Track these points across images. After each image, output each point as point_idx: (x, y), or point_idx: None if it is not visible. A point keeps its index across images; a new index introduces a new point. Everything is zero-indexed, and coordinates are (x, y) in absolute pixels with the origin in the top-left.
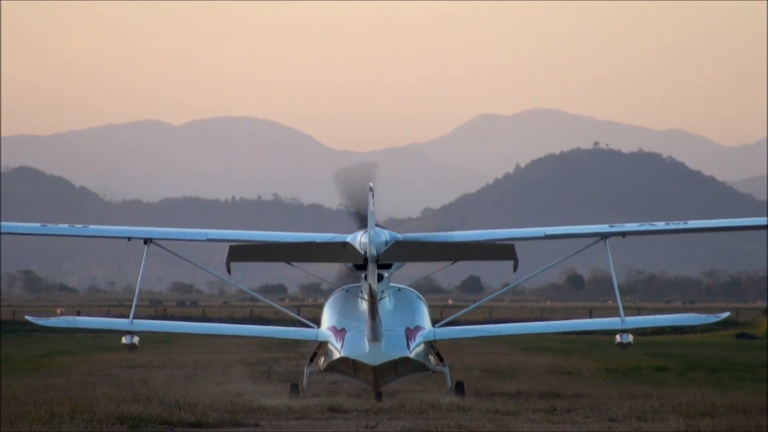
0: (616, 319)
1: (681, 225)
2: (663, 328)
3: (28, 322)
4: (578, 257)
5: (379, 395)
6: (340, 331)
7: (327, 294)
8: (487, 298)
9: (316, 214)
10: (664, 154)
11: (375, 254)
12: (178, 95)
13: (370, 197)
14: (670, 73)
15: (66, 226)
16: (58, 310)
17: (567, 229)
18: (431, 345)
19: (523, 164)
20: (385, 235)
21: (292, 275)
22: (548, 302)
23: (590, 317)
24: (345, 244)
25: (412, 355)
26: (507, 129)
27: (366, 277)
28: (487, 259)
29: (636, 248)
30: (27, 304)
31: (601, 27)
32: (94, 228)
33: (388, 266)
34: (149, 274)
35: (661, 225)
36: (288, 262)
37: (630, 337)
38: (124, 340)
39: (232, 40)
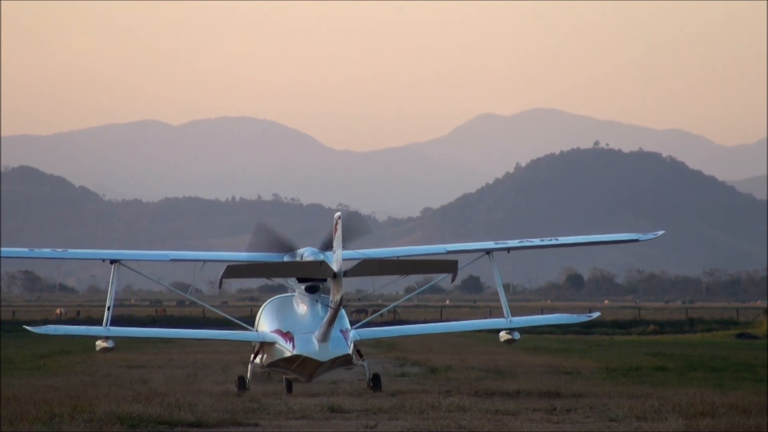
0: (502, 319)
1: (553, 241)
2: (544, 326)
3: (28, 322)
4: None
5: (289, 388)
6: (286, 334)
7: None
8: (396, 303)
9: (316, 214)
10: (664, 154)
11: (343, 271)
12: (178, 95)
13: (338, 225)
14: (670, 73)
15: (49, 250)
16: (58, 311)
17: (461, 245)
18: (354, 343)
19: (523, 164)
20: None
21: None
22: (548, 302)
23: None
24: (322, 263)
25: (348, 352)
26: (507, 129)
27: (307, 289)
28: (434, 272)
29: (636, 248)
30: (27, 304)
31: (601, 27)
32: (72, 251)
33: (324, 280)
34: (149, 274)
35: (536, 241)
36: (272, 278)
37: (517, 335)
38: (99, 344)
39: (232, 40)
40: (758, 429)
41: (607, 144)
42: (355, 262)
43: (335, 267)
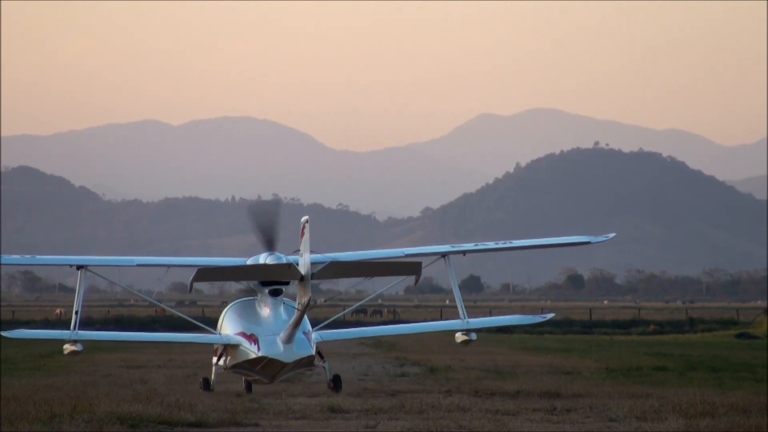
0: (459, 321)
1: (508, 244)
2: (502, 327)
3: (28, 322)
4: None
5: (249, 388)
6: (250, 336)
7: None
8: (358, 304)
9: (316, 214)
10: (664, 154)
11: (311, 274)
12: (178, 95)
13: (306, 229)
14: (670, 73)
15: (18, 256)
16: (57, 311)
17: (418, 249)
18: (316, 345)
19: (523, 164)
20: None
21: None
22: (548, 302)
23: (590, 317)
24: (290, 265)
25: (312, 354)
26: (507, 129)
27: (271, 292)
28: (398, 274)
29: (636, 248)
30: (26, 304)
31: (601, 27)
32: (40, 258)
33: (286, 283)
34: (150, 274)
35: (491, 244)
36: (241, 281)
37: (474, 335)
38: (67, 348)
39: (232, 40)
40: (758, 429)
41: (607, 144)
42: (322, 265)
43: (303, 270)
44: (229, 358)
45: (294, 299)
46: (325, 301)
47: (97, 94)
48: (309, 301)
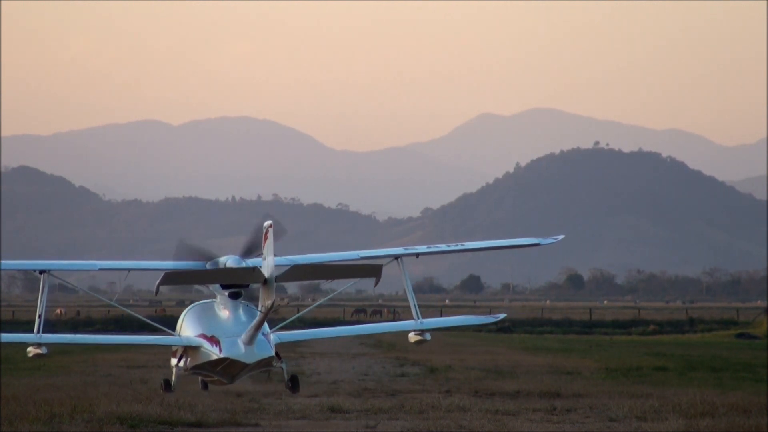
0: (412, 321)
1: (460, 246)
2: (455, 327)
3: (28, 322)
4: (578, 257)
5: (205, 386)
6: (211, 338)
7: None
8: (309, 308)
9: (316, 214)
10: (664, 154)
11: (274, 276)
12: (178, 95)
13: (269, 233)
14: (670, 73)
15: None
16: (57, 311)
17: (373, 252)
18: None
19: (523, 164)
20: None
21: None
22: (548, 302)
23: (590, 317)
24: (254, 269)
25: (272, 354)
26: (507, 129)
27: (231, 294)
28: (359, 276)
29: (636, 248)
30: (27, 304)
31: (601, 27)
32: (5, 263)
33: (246, 286)
34: (151, 275)
35: (443, 247)
36: (207, 284)
37: (428, 335)
38: (31, 351)
39: (232, 40)
40: (758, 429)
41: (607, 144)
42: (285, 268)
43: (267, 273)
44: (189, 359)
45: (253, 301)
46: (287, 303)
47: (97, 94)
48: (273, 303)
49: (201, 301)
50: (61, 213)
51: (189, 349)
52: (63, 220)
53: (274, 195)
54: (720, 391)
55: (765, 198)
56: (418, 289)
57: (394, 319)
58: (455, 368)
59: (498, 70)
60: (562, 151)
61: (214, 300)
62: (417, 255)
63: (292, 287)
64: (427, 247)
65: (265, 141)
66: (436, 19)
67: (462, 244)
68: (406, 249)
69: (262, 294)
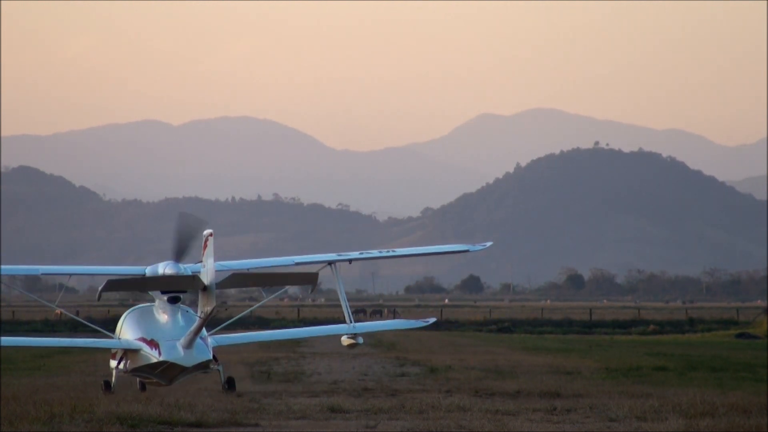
0: (345, 325)
1: (391, 252)
2: (386, 331)
3: (28, 322)
4: (578, 257)
5: (143, 387)
6: (151, 341)
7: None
8: (257, 305)
9: (316, 214)
10: (664, 154)
11: (214, 283)
12: (178, 95)
13: (209, 241)
14: (670, 73)
15: None
16: (57, 311)
17: (308, 257)
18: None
19: (523, 164)
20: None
21: None
22: (548, 302)
23: (590, 317)
24: (194, 276)
25: (210, 358)
26: (507, 129)
27: (169, 299)
28: (296, 283)
29: (636, 248)
30: (26, 304)
31: (601, 26)
32: None
33: (184, 291)
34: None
35: (375, 252)
36: (148, 291)
37: (360, 339)
38: None
39: (232, 40)
40: (758, 429)
41: (607, 144)
42: (226, 274)
43: (206, 280)
44: (129, 362)
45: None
46: (226, 309)
47: (97, 94)
48: (212, 309)
49: (140, 305)
50: (61, 213)
51: (129, 352)
52: (63, 220)
53: (274, 195)
54: (720, 391)
55: (765, 198)
56: (418, 289)
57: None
58: (455, 368)
59: (498, 70)
60: (562, 151)
61: (152, 304)
62: (350, 261)
63: (293, 288)
64: (360, 254)
65: (265, 141)
66: (436, 19)
67: (394, 251)
68: (339, 255)
69: (201, 300)
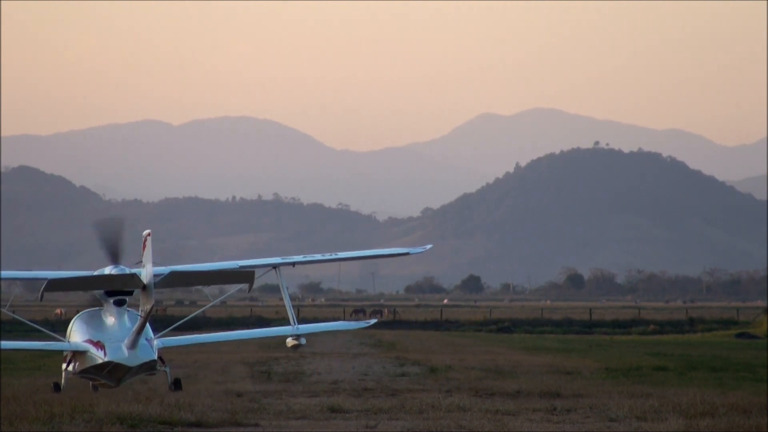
0: (289, 327)
1: (334, 255)
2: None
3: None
4: (578, 257)
5: (95, 388)
6: (97, 343)
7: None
8: (196, 313)
9: (316, 214)
10: (664, 154)
11: (153, 282)
12: (178, 95)
13: (148, 242)
14: (670, 73)
15: None
16: (57, 311)
17: (252, 261)
18: (158, 351)
19: (523, 164)
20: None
21: (292, 275)
22: (548, 302)
23: (590, 317)
24: (134, 275)
25: (155, 358)
26: (507, 129)
27: (115, 302)
28: (233, 282)
29: (636, 248)
30: (27, 304)
31: (601, 27)
32: None
33: (130, 293)
34: None
35: (318, 256)
36: (89, 290)
37: (303, 340)
38: None
39: (232, 40)
40: (758, 429)
41: (607, 144)
42: (163, 274)
43: (145, 279)
44: (77, 363)
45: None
46: (165, 309)
47: (97, 94)
48: (152, 308)
49: (89, 309)
50: (61, 213)
51: (77, 354)
52: (63, 220)
53: (274, 195)
54: (720, 391)
55: (765, 198)
56: (418, 289)
57: (394, 319)
58: (455, 368)
59: (498, 70)
60: (562, 151)
61: (100, 308)
62: (293, 264)
63: (293, 288)
64: (303, 257)
65: (265, 141)
66: (437, 19)
67: (336, 254)
68: (283, 259)
69: (141, 299)
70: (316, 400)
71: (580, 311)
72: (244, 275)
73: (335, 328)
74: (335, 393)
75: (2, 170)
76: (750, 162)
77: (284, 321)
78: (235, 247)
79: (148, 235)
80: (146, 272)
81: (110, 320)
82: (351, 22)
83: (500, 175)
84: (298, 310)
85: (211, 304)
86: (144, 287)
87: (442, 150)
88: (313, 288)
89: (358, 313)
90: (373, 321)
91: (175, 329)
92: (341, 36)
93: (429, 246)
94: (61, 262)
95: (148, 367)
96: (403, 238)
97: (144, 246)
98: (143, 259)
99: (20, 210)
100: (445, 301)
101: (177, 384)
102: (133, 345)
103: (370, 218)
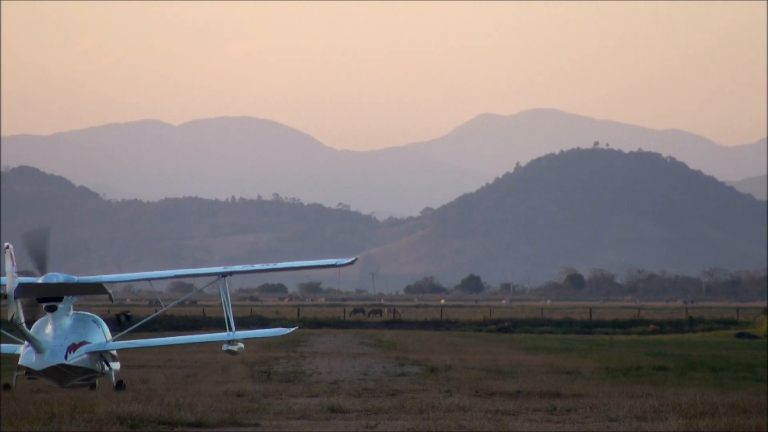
0: (225, 333)
1: (271, 266)
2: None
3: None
4: (578, 256)
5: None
6: (26, 347)
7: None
8: (155, 314)
9: (316, 214)
10: (664, 154)
11: (12, 292)
12: (178, 95)
13: (9, 252)
14: (670, 73)
15: None
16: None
17: (193, 270)
18: (100, 354)
19: (523, 164)
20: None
21: (292, 275)
22: (548, 302)
23: (590, 317)
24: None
25: (71, 363)
26: (507, 129)
27: (46, 308)
28: (84, 294)
29: (636, 248)
30: (26, 304)
31: (602, 26)
32: None
33: (59, 299)
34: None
35: (258, 266)
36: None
37: (242, 345)
38: None
39: (232, 40)
40: (758, 429)
41: (607, 144)
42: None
43: (7, 290)
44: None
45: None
46: (442, 302)
47: (97, 94)
48: (13, 317)
49: (46, 315)
50: (61, 213)
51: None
52: (63, 220)
53: (274, 195)
54: (720, 391)
55: (765, 198)
56: (418, 289)
57: (394, 319)
58: (455, 368)
59: (498, 70)
60: (562, 151)
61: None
62: (231, 273)
63: (293, 287)
64: (243, 267)
65: (265, 141)
66: (437, 18)
67: (275, 264)
68: (225, 268)
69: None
70: (316, 400)
71: (580, 311)
72: (95, 287)
73: (269, 335)
74: (335, 393)
75: (2, 170)
76: (750, 162)
77: (284, 322)
78: (235, 247)
79: (7, 247)
80: (8, 283)
81: (48, 326)
82: (351, 22)
83: (500, 175)
84: (298, 310)
85: (164, 309)
86: (5, 297)
87: (442, 150)
88: (314, 288)
89: (357, 312)
90: (294, 328)
91: (133, 331)
92: (341, 36)
93: (356, 258)
94: (61, 263)
95: (77, 370)
96: (403, 238)
97: (5, 257)
98: (6, 270)
99: (20, 210)
100: (442, 301)
101: (119, 385)
102: (38, 350)
103: (370, 218)
